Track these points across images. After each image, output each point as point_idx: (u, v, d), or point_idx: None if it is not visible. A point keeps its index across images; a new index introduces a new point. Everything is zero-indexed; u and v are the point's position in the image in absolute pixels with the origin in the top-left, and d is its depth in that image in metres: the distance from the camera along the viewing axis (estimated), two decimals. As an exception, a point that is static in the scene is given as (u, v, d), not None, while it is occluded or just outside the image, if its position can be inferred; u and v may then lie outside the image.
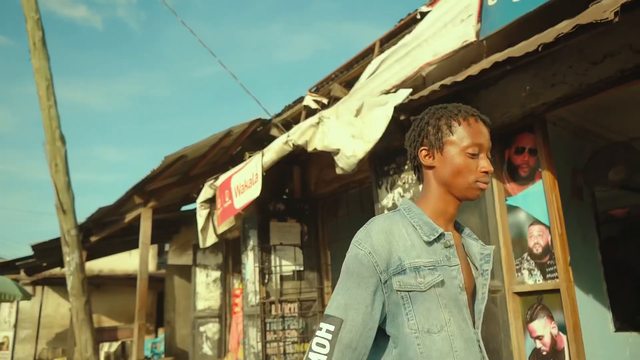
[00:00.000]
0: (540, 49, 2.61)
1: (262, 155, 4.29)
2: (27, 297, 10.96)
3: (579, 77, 3.22)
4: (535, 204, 3.52)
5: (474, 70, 2.98)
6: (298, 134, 3.81)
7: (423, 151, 1.33)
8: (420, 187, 4.36)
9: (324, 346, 1.14)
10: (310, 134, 3.73)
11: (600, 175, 4.57)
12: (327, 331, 1.15)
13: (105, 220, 8.28)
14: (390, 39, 4.49)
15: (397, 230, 1.23)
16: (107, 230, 8.34)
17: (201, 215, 5.30)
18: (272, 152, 4.15)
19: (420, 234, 1.24)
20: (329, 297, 5.48)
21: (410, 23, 4.24)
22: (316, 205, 5.61)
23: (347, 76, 4.94)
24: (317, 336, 1.15)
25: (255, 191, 4.27)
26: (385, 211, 3.97)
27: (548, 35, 2.61)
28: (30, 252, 9.73)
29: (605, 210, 7.61)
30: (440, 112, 1.33)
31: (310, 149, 3.77)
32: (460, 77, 3.06)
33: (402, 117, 3.66)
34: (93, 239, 8.71)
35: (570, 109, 4.02)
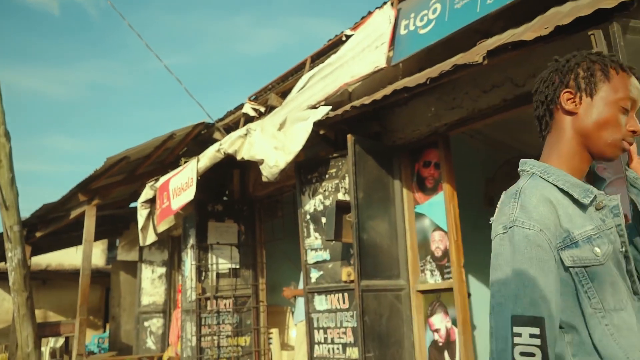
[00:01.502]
0: (428, 82, 3.03)
1: (198, 161, 4.58)
2: (-32, 291, 10.81)
3: (472, 102, 3.67)
4: (437, 212, 3.97)
5: (378, 95, 3.38)
6: (228, 144, 4.13)
7: (566, 94, 1.15)
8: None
9: (532, 355, 0.94)
10: (239, 144, 4.06)
11: (506, 185, 5.06)
12: (532, 335, 0.95)
13: (50, 217, 8.34)
14: (320, 56, 4.86)
15: (552, 196, 1.07)
16: (52, 227, 8.40)
17: (141, 215, 5.54)
18: (206, 158, 4.46)
19: (577, 198, 1.09)
20: (264, 294, 5.83)
21: (337, 43, 4.62)
22: (254, 206, 5.94)
23: (283, 87, 5.28)
24: (518, 344, 0.95)
25: (190, 194, 4.56)
26: (307, 216, 4.35)
27: (435, 70, 3.03)
28: (-28, 247, 9.62)
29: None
30: (594, 56, 1.17)
31: (238, 157, 4.09)
32: (367, 101, 3.46)
33: (322, 132, 4.04)
34: (38, 234, 8.74)
35: (486, 123, 4.50)
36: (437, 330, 3.85)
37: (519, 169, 1.22)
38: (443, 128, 3.89)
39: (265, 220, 6.03)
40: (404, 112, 4.15)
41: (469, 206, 4.80)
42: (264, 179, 3.97)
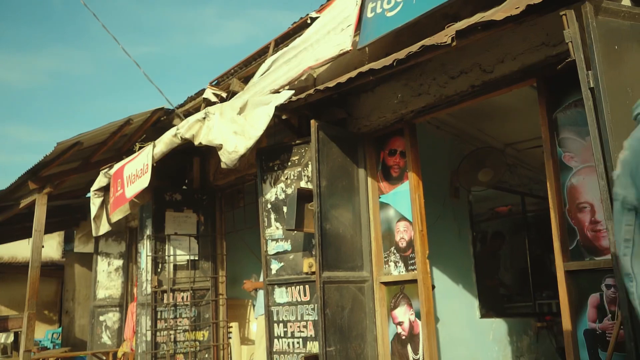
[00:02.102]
0: (394, 64, 2.89)
1: (154, 146, 4.34)
2: None
3: (440, 89, 3.56)
4: (402, 202, 3.86)
5: (343, 78, 3.23)
6: (186, 128, 3.91)
7: None
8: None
9: None
10: (196, 129, 3.84)
11: (470, 176, 5.03)
12: None
13: (-2, 206, 7.88)
14: (284, 40, 4.68)
15: None
16: (0, 217, 7.95)
17: (94, 204, 5.25)
18: (162, 144, 4.22)
19: None
20: (224, 286, 5.63)
21: (302, 26, 4.45)
22: (214, 195, 5.73)
23: (246, 72, 5.07)
24: None
25: (144, 181, 4.32)
26: (268, 205, 4.17)
27: (402, 52, 2.90)
28: None
29: (492, 207, 8.33)
30: None
31: (196, 142, 3.88)
32: (331, 84, 3.30)
33: (284, 117, 3.86)
34: (-14, 224, 8.27)
35: (451, 113, 4.41)
36: (400, 323, 3.75)
37: (635, 112, 1.06)
38: (409, 115, 3.77)
39: (226, 210, 5.82)
40: (370, 98, 4.01)
41: (434, 197, 4.73)
42: (222, 165, 3.77)
